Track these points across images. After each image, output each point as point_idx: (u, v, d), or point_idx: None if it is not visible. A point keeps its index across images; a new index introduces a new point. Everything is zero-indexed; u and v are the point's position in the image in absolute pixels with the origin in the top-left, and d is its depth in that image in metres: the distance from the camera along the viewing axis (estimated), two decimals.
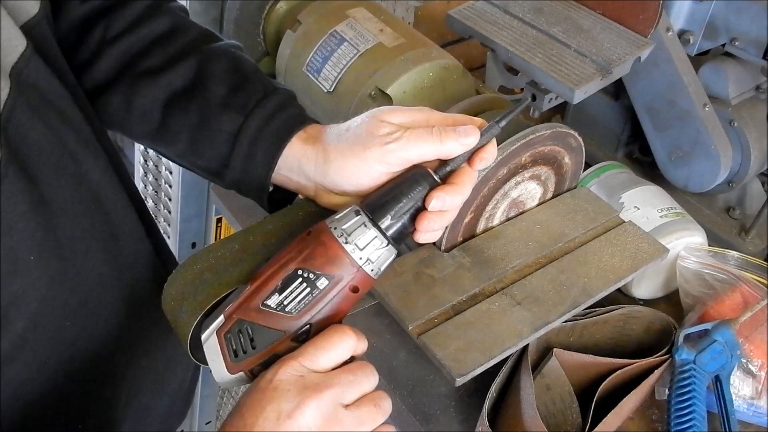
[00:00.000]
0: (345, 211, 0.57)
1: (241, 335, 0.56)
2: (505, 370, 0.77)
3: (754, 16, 0.88)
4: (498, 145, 0.73)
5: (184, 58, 0.69)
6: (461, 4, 0.97)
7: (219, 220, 1.49)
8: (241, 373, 0.57)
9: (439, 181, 0.59)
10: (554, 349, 0.76)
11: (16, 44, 0.56)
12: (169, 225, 1.49)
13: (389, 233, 0.57)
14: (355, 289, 0.57)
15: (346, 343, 0.55)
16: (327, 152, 0.63)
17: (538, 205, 0.85)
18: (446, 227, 0.76)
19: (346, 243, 0.56)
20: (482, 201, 0.77)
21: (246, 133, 0.67)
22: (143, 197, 1.56)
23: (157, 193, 1.51)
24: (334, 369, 0.55)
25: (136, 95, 0.69)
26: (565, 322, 0.77)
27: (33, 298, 0.56)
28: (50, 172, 0.58)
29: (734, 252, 0.93)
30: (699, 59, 1.00)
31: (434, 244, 0.79)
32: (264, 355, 0.56)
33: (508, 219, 0.83)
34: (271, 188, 0.69)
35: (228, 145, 0.67)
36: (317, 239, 0.56)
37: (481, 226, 0.81)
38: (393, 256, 0.58)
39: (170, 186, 1.43)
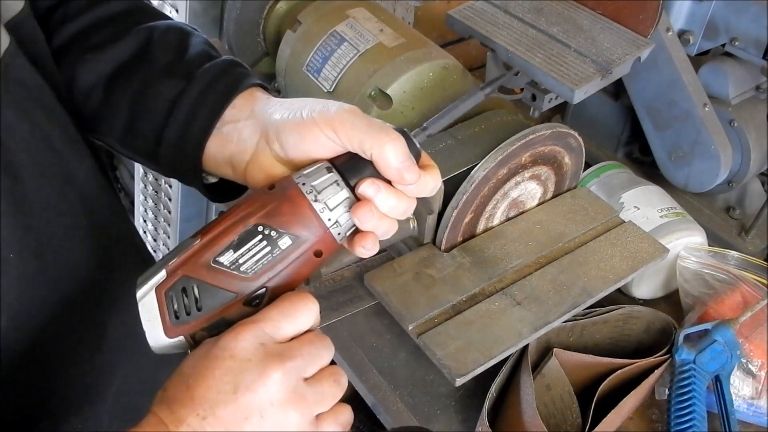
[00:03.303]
0: (314, 167, 0.52)
1: (185, 294, 0.50)
2: (505, 370, 0.77)
3: (754, 16, 0.88)
4: (498, 146, 0.74)
5: (133, 33, 0.65)
6: (461, 4, 0.97)
7: None
8: (181, 337, 0.51)
9: (419, 145, 0.55)
10: (554, 349, 0.76)
11: (0, 41, 0.54)
12: (169, 225, 1.49)
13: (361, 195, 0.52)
14: (318, 253, 0.52)
15: (311, 311, 0.51)
16: (280, 104, 0.58)
17: (538, 205, 0.85)
18: (448, 229, 0.76)
19: (315, 201, 0.51)
20: (482, 201, 0.77)
21: (187, 96, 0.61)
22: (144, 197, 1.56)
23: (157, 193, 1.51)
24: (293, 339, 0.51)
25: (81, 70, 0.65)
26: (565, 322, 0.77)
27: (14, 296, 0.55)
28: (35, 170, 0.57)
29: (734, 252, 0.93)
30: (699, 59, 1.00)
31: (434, 243, 0.79)
32: (210, 318, 0.50)
33: (508, 219, 0.83)
34: (213, 180, 0.65)
35: (165, 113, 0.62)
36: (283, 194, 0.51)
37: (481, 226, 0.81)
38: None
39: (170, 186, 1.43)
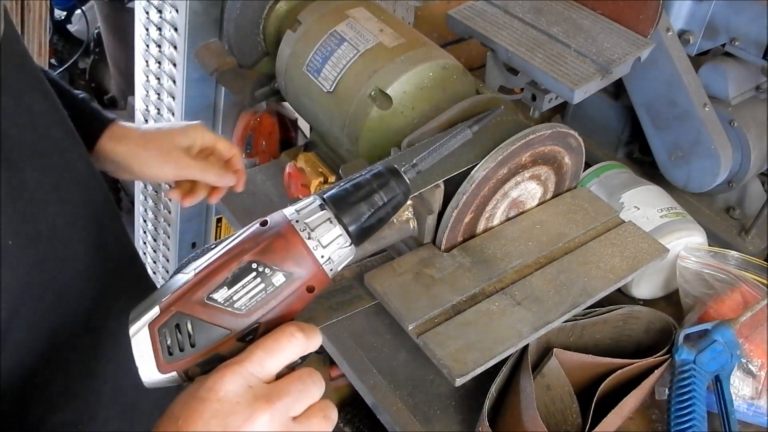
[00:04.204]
0: (308, 203, 0.53)
1: (178, 331, 0.50)
2: (505, 370, 0.77)
3: (754, 16, 0.88)
4: (498, 145, 0.74)
5: None
6: (461, 4, 0.97)
7: (219, 220, 1.50)
8: (174, 373, 0.51)
9: (408, 183, 0.56)
10: (554, 349, 0.76)
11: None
12: (169, 225, 1.49)
13: (353, 232, 0.53)
14: (310, 289, 0.52)
15: (294, 346, 0.51)
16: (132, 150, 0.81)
17: (538, 205, 0.85)
18: (446, 227, 0.76)
19: (309, 239, 0.51)
20: (482, 201, 0.77)
21: None
22: (144, 197, 1.56)
23: (157, 193, 1.51)
24: (282, 374, 0.51)
25: None
26: (565, 322, 0.77)
27: (14, 285, 0.56)
28: (34, 159, 0.58)
29: (734, 252, 0.93)
30: (699, 59, 1.00)
31: (434, 243, 0.79)
32: (204, 354, 0.50)
33: (508, 219, 0.83)
34: None
35: None
36: (276, 231, 0.51)
37: (481, 226, 0.81)
38: (352, 257, 0.54)
39: (170, 186, 1.43)
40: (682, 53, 0.95)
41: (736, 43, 0.91)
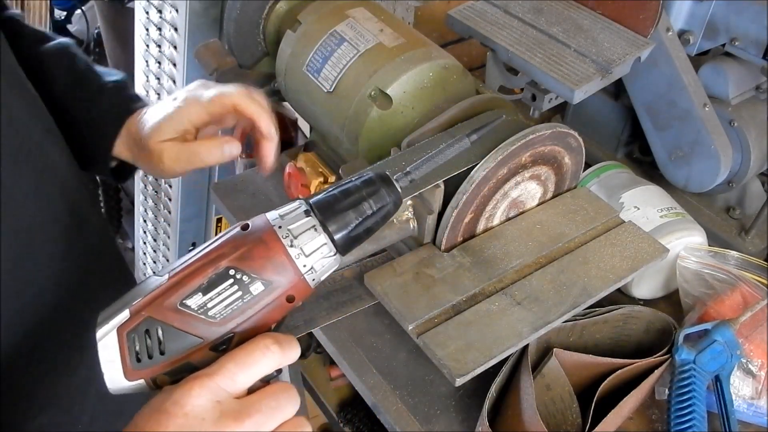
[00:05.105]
0: (293, 208, 0.51)
1: (148, 336, 0.48)
2: (505, 370, 0.77)
3: (754, 16, 0.88)
4: (498, 145, 0.74)
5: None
6: (461, 4, 0.97)
7: (219, 220, 1.50)
8: (141, 380, 0.49)
9: (400, 192, 0.54)
10: (554, 349, 0.76)
11: None
12: (169, 225, 1.49)
13: (339, 241, 0.51)
14: (290, 299, 0.50)
15: (269, 359, 0.48)
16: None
17: (538, 205, 0.85)
18: (446, 227, 0.76)
19: (291, 246, 0.49)
20: (482, 201, 0.77)
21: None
22: (144, 197, 1.56)
23: (157, 193, 1.51)
24: (256, 388, 0.49)
25: None
26: (565, 322, 0.77)
27: None
28: (12, 158, 0.58)
29: (734, 252, 0.93)
30: (699, 59, 1.00)
31: (434, 243, 0.79)
32: (174, 362, 0.48)
33: (508, 219, 0.83)
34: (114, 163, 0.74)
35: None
36: (258, 237, 0.49)
37: (481, 226, 0.81)
38: (336, 266, 0.52)
39: (170, 186, 1.43)
40: (682, 53, 0.95)
41: (736, 43, 0.91)
